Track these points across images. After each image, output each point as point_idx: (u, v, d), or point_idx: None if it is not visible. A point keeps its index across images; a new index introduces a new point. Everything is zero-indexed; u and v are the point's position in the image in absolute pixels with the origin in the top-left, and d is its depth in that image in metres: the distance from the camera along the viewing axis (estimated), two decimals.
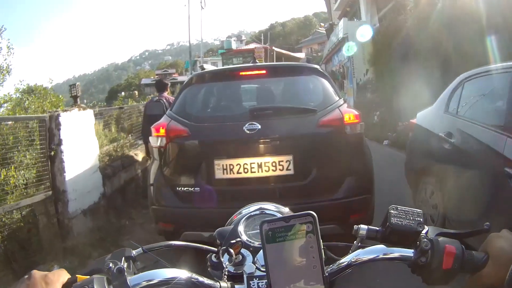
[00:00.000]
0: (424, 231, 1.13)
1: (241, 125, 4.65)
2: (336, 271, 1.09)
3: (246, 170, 4.63)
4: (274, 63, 9.45)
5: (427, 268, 1.06)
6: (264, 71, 5.43)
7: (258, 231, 1.01)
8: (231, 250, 1.11)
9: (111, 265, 0.96)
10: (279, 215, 1.29)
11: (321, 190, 4.64)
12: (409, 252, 1.10)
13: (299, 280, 0.98)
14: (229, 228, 1.31)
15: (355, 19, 30.16)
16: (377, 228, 1.17)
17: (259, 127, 4.61)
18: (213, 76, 5.85)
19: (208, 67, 7.89)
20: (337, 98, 5.06)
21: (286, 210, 1.45)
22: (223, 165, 4.66)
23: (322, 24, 78.98)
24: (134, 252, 1.11)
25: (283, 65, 6.92)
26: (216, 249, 1.22)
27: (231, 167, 4.65)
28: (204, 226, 4.60)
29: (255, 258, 1.16)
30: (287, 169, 4.60)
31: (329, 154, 4.72)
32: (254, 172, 4.62)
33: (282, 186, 4.62)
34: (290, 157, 4.60)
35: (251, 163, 4.62)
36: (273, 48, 51.41)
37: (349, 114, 4.75)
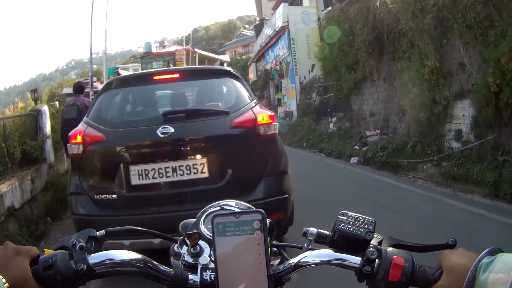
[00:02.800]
0: (377, 241, 1.06)
1: (154, 129, 4.63)
2: (284, 271, 1.09)
3: (161, 175, 4.63)
4: (187, 66, 10.37)
5: (373, 278, 1.01)
6: (177, 75, 5.49)
7: None
8: (188, 241, 1.10)
9: (75, 242, 1.02)
10: (237, 210, 1.29)
11: (238, 192, 4.54)
12: (356, 260, 1.04)
13: (245, 275, 1.00)
14: (192, 221, 1.33)
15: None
16: (327, 232, 1.11)
17: (172, 130, 4.61)
18: (127, 81, 5.78)
19: (123, 72, 7.68)
20: (250, 99, 5.16)
21: (246, 206, 1.44)
22: (138, 170, 4.64)
23: (247, 26, 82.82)
24: (97, 233, 1.09)
25: (196, 68, 7.67)
26: (174, 238, 1.26)
27: (146, 172, 4.63)
28: (124, 234, 2.07)
29: (212, 251, 1.12)
30: (201, 172, 4.65)
31: (243, 156, 4.81)
32: (169, 176, 4.64)
33: (198, 190, 4.67)
34: (204, 160, 4.66)
35: (165, 167, 4.63)
36: (196, 50, 49.33)
37: (262, 115, 4.85)
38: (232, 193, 4.36)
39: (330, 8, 20.25)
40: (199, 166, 4.64)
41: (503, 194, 7.16)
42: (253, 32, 56.46)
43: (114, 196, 4.68)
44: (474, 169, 8.07)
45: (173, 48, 52.57)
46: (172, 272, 1.06)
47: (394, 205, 7.24)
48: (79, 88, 9.49)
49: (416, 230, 5.86)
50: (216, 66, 7.81)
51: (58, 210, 8.40)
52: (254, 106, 5.03)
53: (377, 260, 1.01)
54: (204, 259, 1.10)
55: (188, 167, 4.64)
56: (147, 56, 47.91)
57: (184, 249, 1.14)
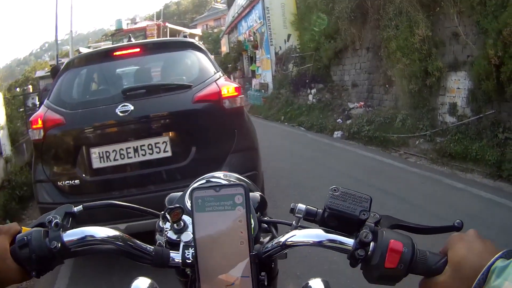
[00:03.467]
0: (372, 220, 0.94)
1: (113, 108, 4.40)
2: (270, 250, 1.00)
3: (122, 156, 4.43)
4: (148, 40, 8.80)
5: (367, 264, 0.91)
6: (138, 49, 5.08)
7: None
8: (168, 216, 1.04)
9: (51, 219, 0.99)
10: (224, 183, 1.24)
11: (203, 170, 2.37)
12: (349, 242, 0.94)
13: (226, 255, 0.95)
14: (178, 195, 1.28)
15: None
16: (317, 209, 1.02)
17: (132, 108, 4.38)
18: (87, 59, 5.37)
19: (84, 50, 6.69)
20: (214, 71, 4.92)
21: (238, 177, 1.39)
22: (99, 152, 4.42)
23: (219, 0, 79.31)
24: (75, 209, 1.06)
25: (158, 41, 6.25)
26: (155, 213, 1.21)
27: (107, 154, 4.43)
28: (90, 221, 1.80)
29: None
30: (164, 151, 4.44)
31: (208, 131, 4.60)
32: (131, 157, 4.42)
33: (161, 170, 4.46)
34: (166, 138, 4.46)
35: (127, 148, 4.42)
36: (167, 24, 48.98)
37: (227, 87, 4.66)
38: (197, 171, 3.75)
39: None
40: (161, 144, 4.46)
41: (507, 175, 6.60)
42: (224, 5, 56.41)
43: (77, 181, 4.50)
44: (473, 146, 7.52)
45: (144, 24, 51.89)
46: (152, 250, 1.02)
47: (390, 187, 6.51)
48: (56, 72, 8.92)
49: (419, 218, 5.14)
50: (179, 38, 7.13)
51: (17, 210, 7.48)
52: (219, 78, 4.84)
53: (372, 243, 0.91)
54: (187, 235, 1.05)
55: (150, 147, 4.46)
56: (117, 33, 47.31)
57: (167, 225, 1.09)
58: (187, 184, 3.26)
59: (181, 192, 1.28)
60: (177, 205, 1.05)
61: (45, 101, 4.98)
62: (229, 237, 0.94)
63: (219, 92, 4.58)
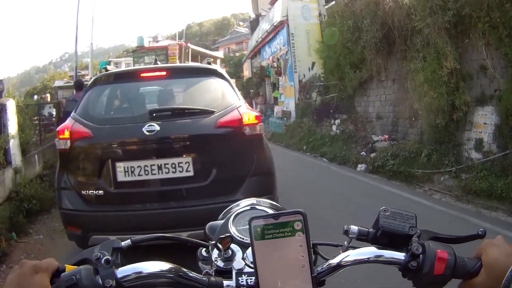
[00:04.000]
0: (416, 235, 1.11)
1: (140, 127, 4.78)
2: (326, 271, 1.10)
3: (147, 172, 4.77)
4: (174, 64, 10.54)
5: (418, 273, 1.05)
6: (164, 72, 5.59)
7: (248, 227, 1.05)
8: (220, 245, 1.11)
9: (99, 255, 0.99)
10: (269, 210, 1.32)
11: (222, 191, 4.82)
12: (400, 256, 1.09)
13: (288, 278, 0.99)
14: (220, 223, 1.33)
15: None
16: (368, 229, 1.16)
17: (158, 128, 4.74)
18: (115, 78, 5.85)
19: (111, 68, 8.01)
20: (236, 99, 5.31)
21: (278, 206, 1.46)
22: (124, 167, 4.78)
23: (241, 23, 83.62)
24: (122, 244, 1.06)
25: (184, 66, 7.61)
26: (205, 243, 1.24)
27: (132, 169, 4.77)
28: (110, 230, 4.77)
29: (245, 254, 1.15)
30: (186, 171, 4.79)
31: (228, 155, 4.98)
32: (155, 174, 4.77)
33: (183, 188, 4.83)
34: (189, 159, 4.81)
35: (151, 165, 4.77)
36: (189, 45, 48.93)
37: (248, 115, 5.00)
38: (216, 192, 4.81)
39: (333, 2, 19.33)
40: (184, 164, 4.82)
41: None
42: (247, 29, 56.75)
43: (101, 192, 4.85)
44: (498, 183, 7.48)
45: (166, 42, 52.23)
46: (205, 279, 1.06)
47: (420, 227, 6.48)
48: (79, 85, 10.36)
49: None
50: (203, 64, 7.41)
51: (24, 224, 7.33)
52: (240, 106, 5.20)
53: (421, 255, 1.04)
54: (239, 263, 1.10)
55: (173, 165, 4.81)
56: (139, 50, 47.63)
57: (215, 254, 1.14)
58: (207, 202, 4.50)
59: (221, 220, 1.34)
60: (227, 234, 1.13)
61: (72, 114, 5.34)
62: (290, 262, 0.99)
63: (241, 119, 4.94)
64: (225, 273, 1.11)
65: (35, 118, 12.20)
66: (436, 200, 8.25)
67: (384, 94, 13.25)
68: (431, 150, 9.75)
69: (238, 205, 1.44)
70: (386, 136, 12.11)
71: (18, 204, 7.49)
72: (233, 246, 1.15)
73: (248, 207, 1.37)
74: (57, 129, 5.31)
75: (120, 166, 4.79)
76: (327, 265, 1.10)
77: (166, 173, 4.79)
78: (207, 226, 1.36)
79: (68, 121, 5.19)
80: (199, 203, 4.77)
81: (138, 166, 4.78)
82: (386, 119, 12.92)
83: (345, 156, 12.55)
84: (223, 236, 1.11)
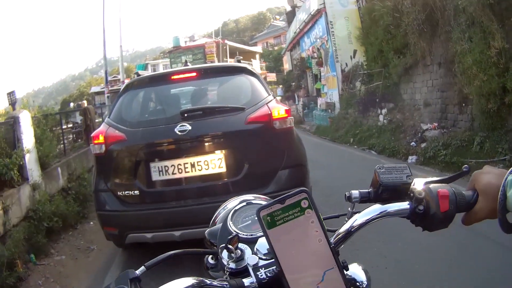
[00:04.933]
0: (413, 180, 1.18)
1: (172, 127, 5.07)
2: (338, 240, 1.17)
3: (180, 171, 5.09)
4: (204, 65, 10.02)
5: (426, 215, 1.14)
6: (194, 74, 5.85)
7: (248, 222, 1.25)
8: (230, 246, 1.12)
9: None
10: (262, 202, 1.39)
11: (255, 185, 5.07)
12: (405, 205, 1.17)
13: (309, 257, 1.02)
14: (218, 227, 1.35)
15: None
16: (368, 190, 1.22)
17: (190, 128, 5.04)
18: (146, 82, 6.16)
19: (143, 73, 7.51)
20: (266, 94, 5.55)
21: (267, 198, 1.51)
22: (158, 167, 5.11)
23: (278, 17, 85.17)
24: (137, 272, 1.06)
25: (213, 66, 7.44)
26: (213, 250, 1.26)
27: (166, 168, 5.10)
28: (146, 227, 5.17)
29: (255, 249, 1.19)
30: (219, 167, 5.09)
31: (259, 150, 5.24)
32: (188, 172, 5.09)
33: (216, 183, 5.11)
34: (221, 155, 5.09)
35: (184, 164, 5.09)
36: (226, 42, 49.53)
37: (278, 109, 5.25)
38: (249, 186, 5.05)
39: None
40: (216, 161, 5.12)
41: None
42: (284, 22, 57.07)
43: (136, 192, 5.20)
44: None
45: (202, 41, 52.79)
46: (226, 284, 1.08)
47: (487, 230, 6.10)
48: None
49: None
50: (233, 63, 7.66)
51: (44, 244, 7.01)
52: (270, 101, 5.46)
53: (424, 198, 1.14)
54: (253, 259, 1.14)
55: (206, 163, 5.12)
56: (175, 51, 49.05)
57: (225, 257, 1.16)
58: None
59: (218, 225, 1.37)
60: (234, 234, 1.17)
61: (106, 119, 5.80)
62: (307, 240, 1.02)
63: (270, 114, 5.21)
64: (239, 273, 1.15)
65: (58, 127, 12.02)
66: None
67: (430, 79, 12.83)
68: (483, 137, 9.40)
69: (226, 207, 1.54)
70: (436, 124, 11.73)
71: (37, 223, 7.24)
72: (240, 245, 1.18)
73: (244, 203, 1.42)
74: (92, 134, 5.63)
75: (154, 166, 5.13)
76: (338, 234, 1.18)
77: (199, 170, 5.10)
78: (206, 234, 1.39)
79: (102, 126, 5.57)
80: (233, 197, 4.61)
81: (172, 165, 5.11)
82: (434, 105, 12.50)
83: (394, 148, 12.30)
84: (231, 236, 1.14)
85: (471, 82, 9.68)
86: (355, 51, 20.17)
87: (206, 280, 1.07)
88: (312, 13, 23.16)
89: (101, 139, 5.29)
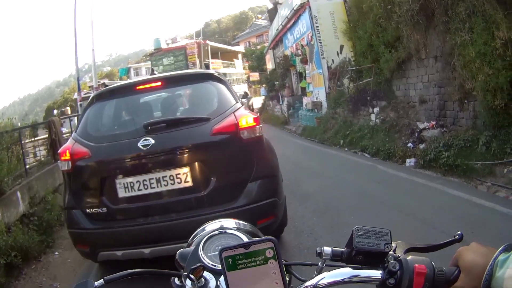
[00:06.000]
0: (391, 249, 1.15)
1: (136, 142, 5.02)
2: None
3: (146, 186, 5.03)
4: (169, 73, 7.74)
5: None
6: (159, 83, 5.79)
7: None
8: (192, 276, 1.15)
9: None
10: (239, 235, 1.37)
11: (223, 199, 5.07)
12: (377, 274, 1.14)
13: None
14: (190, 250, 1.37)
15: None
16: (342, 249, 1.20)
17: (153, 142, 4.99)
18: (111, 93, 6.03)
19: (111, 83, 7.60)
20: (233, 102, 5.51)
21: (247, 226, 1.54)
22: (124, 183, 5.07)
23: (260, 16, 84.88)
24: (96, 284, 1.11)
25: (178, 74, 6.74)
26: (178, 273, 1.26)
27: (132, 184, 5.04)
28: (115, 245, 5.15)
29: (218, 282, 1.19)
30: (185, 181, 5.04)
31: (227, 162, 5.17)
32: (154, 187, 5.04)
33: (183, 199, 5.07)
34: (186, 169, 5.05)
35: (149, 179, 5.04)
36: (207, 42, 49.64)
37: (246, 118, 5.20)
38: (217, 200, 5.07)
39: None
40: (182, 175, 5.08)
41: None
42: (266, 21, 57.86)
43: (104, 209, 5.18)
44: None
45: (184, 42, 52.94)
46: None
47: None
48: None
49: None
50: (199, 70, 8.27)
51: (1, 284, 6.33)
52: (238, 109, 5.42)
53: (398, 271, 1.10)
54: None
55: (171, 177, 5.08)
56: (156, 53, 49.56)
57: (189, 284, 1.18)
58: (209, 212, 4.79)
59: (191, 248, 1.39)
60: (199, 264, 1.18)
61: (73, 134, 5.82)
62: None
63: (237, 124, 5.18)
64: None
65: (18, 144, 10.67)
66: (502, 201, 7.13)
67: (426, 74, 12.21)
68: (489, 136, 8.77)
69: (204, 229, 1.52)
70: (433, 123, 11.08)
71: None
72: (206, 274, 1.20)
73: (217, 232, 1.41)
74: (59, 151, 5.78)
75: (120, 182, 5.12)
76: (306, 287, 1.17)
77: (165, 185, 5.07)
78: (177, 254, 1.39)
79: (69, 142, 5.60)
80: (201, 212, 5.01)
81: (137, 181, 5.07)
82: (431, 102, 11.89)
83: (389, 150, 11.61)
84: (195, 266, 1.15)
85: (475, 77, 9.07)
86: (341, 47, 19.55)
87: None
88: (295, 8, 22.52)
89: (67, 155, 5.31)
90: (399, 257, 1.13)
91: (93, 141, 5.38)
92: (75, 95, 50.72)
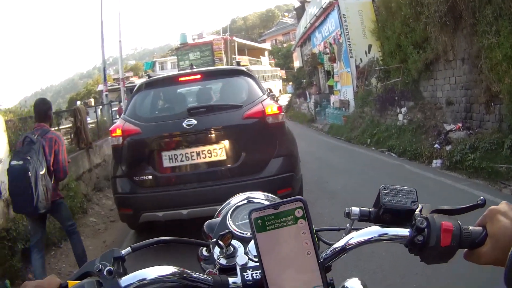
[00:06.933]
0: (418, 209, 1.15)
1: (180, 122, 6.21)
2: (331, 256, 1.15)
3: (187, 158, 6.24)
4: (208, 68, 10.75)
5: (424, 247, 1.10)
6: (199, 76, 7.12)
7: (247, 221, 1.16)
8: (221, 243, 1.17)
9: (101, 267, 0.99)
10: (266, 203, 1.26)
11: (250, 171, 6.21)
12: (404, 232, 1.14)
13: (294, 267, 1.03)
14: (218, 220, 1.41)
15: None
16: (370, 209, 1.21)
17: (195, 122, 6.17)
18: (157, 82, 7.36)
19: (154, 74, 9.63)
20: (261, 94, 6.67)
21: (274, 197, 1.59)
22: (169, 155, 6.26)
23: (287, 14, 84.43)
24: (123, 252, 1.10)
25: (215, 69, 9.72)
26: (205, 243, 1.30)
27: (175, 156, 6.25)
28: (158, 207, 6.27)
29: (247, 249, 1.22)
30: (220, 155, 6.23)
31: (255, 141, 6.29)
32: (194, 159, 6.23)
33: (218, 169, 6.27)
34: (222, 145, 6.23)
35: (191, 152, 6.23)
36: (234, 38, 49.31)
37: (271, 107, 6.35)
38: (245, 172, 6.19)
39: None
40: (218, 150, 6.24)
41: None
42: (293, 19, 57.72)
43: (150, 177, 6.31)
44: None
45: (210, 38, 52.88)
46: (210, 279, 1.10)
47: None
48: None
49: None
50: (233, 66, 9.13)
51: (18, 268, 6.35)
52: (264, 99, 6.54)
53: (425, 229, 1.09)
54: (242, 258, 1.17)
55: (209, 151, 6.24)
56: (182, 48, 49.47)
57: (217, 252, 1.21)
58: (239, 180, 6.15)
59: (218, 218, 1.44)
60: (227, 231, 1.21)
61: (122, 115, 6.97)
62: (295, 251, 1.03)
63: (264, 111, 6.30)
64: (229, 270, 1.17)
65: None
66: None
67: (453, 76, 12.21)
68: None
69: (229, 203, 1.55)
70: (460, 125, 11.13)
71: (11, 245, 6.48)
72: (234, 242, 1.22)
73: (245, 201, 1.46)
74: (110, 128, 7.02)
75: (165, 154, 6.28)
76: (332, 250, 1.15)
77: (203, 158, 6.23)
78: (205, 225, 1.44)
79: (119, 121, 6.82)
80: (231, 181, 6.17)
81: (180, 154, 6.25)
82: (458, 104, 11.93)
83: (416, 150, 11.72)
84: (223, 232, 1.18)
85: (501, 80, 9.17)
86: (370, 46, 19.61)
87: (190, 272, 1.09)
88: (323, 6, 22.60)
89: (118, 132, 6.44)
90: (426, 216, 1.13)
91: (142, 121, 6.51)
92: (100, 87, 51.15)
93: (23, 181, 5.19)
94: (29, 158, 5.30)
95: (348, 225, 1.23)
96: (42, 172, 5.35)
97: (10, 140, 7.55)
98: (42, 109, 6.01)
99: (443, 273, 4.68)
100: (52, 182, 5.65)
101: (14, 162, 5.42)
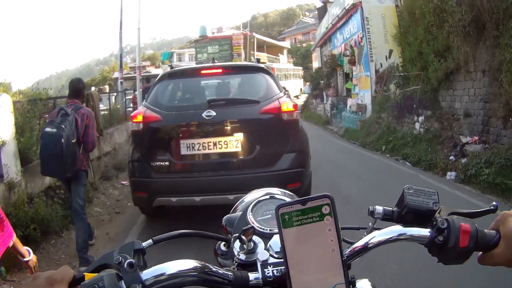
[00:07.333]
0: (439, 208, 1.19)
1: (200, 112, 6.54)
2: (353, 254, 1.17)
3: (204, 148, 6.55)
4: (229, 63, 12.77)
5: (444, 247, 1.13)
6: (220, 70, 7.56)
7: (268, 216, 1.29)
8: (244, 238, 1.18)
9: (121, 259, 0.99)
10: (287, 199, 1.40)
11: (263, 163, 6.54)
12: (425, 232, 1.17)
13: (318, 264, 1.04)
14: (237, 215, 1.40)
15: None
16: (393, 209, 1.23)
17: (214, 114, 6.49)
18: (179, 73, 7.81)
19: (176, 65, 9.98)
20: (278, 91, 7.01)
21: (291, 194, 1.57)
22: (187, 143, 6.57)
23: (308, 14, 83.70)
24: (144, 245, 1.09)
25: (236, 65, 10.88)
26: (226, 237, 1.29)
27: (193, 145, 6.55)
28: (172, 192, 6.62)
29: (268, 245, 1.22)
30: (236, 147, 6.56)
31: (269, 135, 6.64)
32: (211, 149, 6.55)
33: (232, 160, 6.62)
34: (237, 138, 6.56)
35: (208, 142, 6.54)
36: (254, 34, 49.17)
37: (287, 104, 6.67)
38: (258, 164, 6.53)
39: None
40: (234, 142, 6.57)
41: None
42: (313, 19, 57.60)
43: (167, 163, 6.66)
44: None
45: (230, 32, 52.80)
46: (230, 274, 1.11)
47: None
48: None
49: None
50: (253, 63, 9.68)
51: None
52: (281, 97, 6.86)
53: (445, 230, 1.13)
54: (263, 254, 1.17)
55: (225, 143, 6.55)
56: (201, 41, 49.26)
57: (237, 247, 1.22)
58: (251, 172, 6.52)
59: (238, 213, 1.42)
60: (250, 226, 1.24)
61: (143, 102, 7.34)
62: (320, 247, 1.04)
63: (280, 108, 6.60)
64: (248, 266, 1.18)
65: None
66: None
67: (473, 87, 12.03)
68: None
69: (243, 201, 1.55)
70: (476, 138, 11.01)
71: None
72: (254, 237, 1.22)
73: (267, 196, 1.45)
74: (131, 114, 7.46)
75: (183, 143, 6.58)
76: (353, 248, 1.17)
77: (219, 148, 6.55)
78: (224, 219, 1.42)
79: (141, 108, 7.19)
80: (245, 172, 6.47)
81: (198, 143, 6.56)
82: (475, 117, 11.77)
83: (431, 161, 11.63)
84: (246, 227, 1.19)
85: None
86: (390, 51, 19.46)
87: (210, 266, 1.10)
88: (346, 8, 22.41)
89: (140, 118, 6.71)
90: (446, 217, 1.17)
91: (163, 109, 6.84)
92: (115, 74, 51.36)
93: (56, 146, 5.83)
94: (63, 126, 5.98)
95: (370, 223, 1.25)
96: (73, 141, 6.01)
97: (17, 121, 7.61)
98: (77, 87, 6.79)
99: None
100: (80, 152, 6.28)
101: (48, 129, 6.09)
